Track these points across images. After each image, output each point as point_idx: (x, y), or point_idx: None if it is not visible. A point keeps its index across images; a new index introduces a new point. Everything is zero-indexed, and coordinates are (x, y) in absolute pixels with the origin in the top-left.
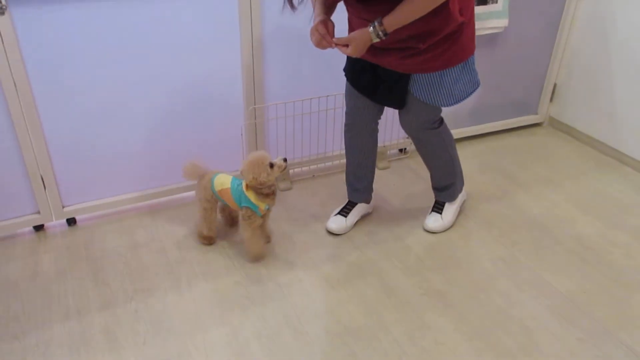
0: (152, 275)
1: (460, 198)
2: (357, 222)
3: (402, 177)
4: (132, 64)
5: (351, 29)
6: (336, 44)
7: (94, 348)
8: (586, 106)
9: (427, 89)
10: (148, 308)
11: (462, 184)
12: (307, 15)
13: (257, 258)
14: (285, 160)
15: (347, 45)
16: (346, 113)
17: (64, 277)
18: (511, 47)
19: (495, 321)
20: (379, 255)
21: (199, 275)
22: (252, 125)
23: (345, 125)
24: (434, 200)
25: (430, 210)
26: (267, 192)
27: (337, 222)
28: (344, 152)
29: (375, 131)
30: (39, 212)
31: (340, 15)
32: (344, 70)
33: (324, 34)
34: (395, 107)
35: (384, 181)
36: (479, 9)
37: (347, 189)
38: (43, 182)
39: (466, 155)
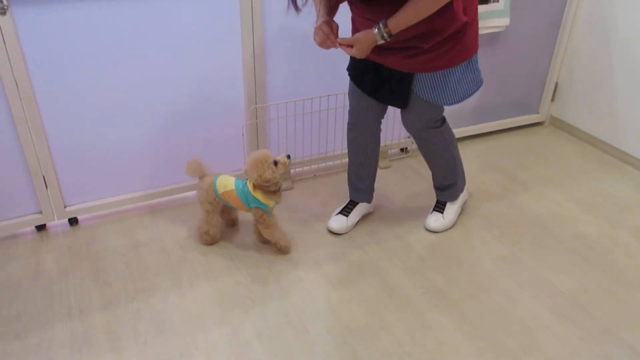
0: (153, 275)
1: (461, 197)
2: (358, 221)
3: (403, 177)
4: (134, 63)
5: (354, 28)
6: (340, 44)
7: (95, 348)
8: (587, 105)
9: (431, 88)
10: (149, 308)
11: (464, 183)
12: (308, 14)
13: (290, 248)
14: (289, 157)
15: (351, 46)
16: (349, 112)
17: (66, 276)
18: (512, 46)
19: (497, 320)
20: (380, 254)
21: (200, 275)
22: (254, 124)
23: (349, 124)
24: (435, 199)
25: (431, 209)
26: (273, 190)
27: (338, 222)
28: (345, 151)
29: (378, 131)
30: (40, 212)
31: (344, 16)
32: (347, 69)
33: (328, 34)
34: (398, 106)
35: (385, 180)
36: (480, 8)
37: (349, 189)
38: (45, 181)
39: (468, 155)
